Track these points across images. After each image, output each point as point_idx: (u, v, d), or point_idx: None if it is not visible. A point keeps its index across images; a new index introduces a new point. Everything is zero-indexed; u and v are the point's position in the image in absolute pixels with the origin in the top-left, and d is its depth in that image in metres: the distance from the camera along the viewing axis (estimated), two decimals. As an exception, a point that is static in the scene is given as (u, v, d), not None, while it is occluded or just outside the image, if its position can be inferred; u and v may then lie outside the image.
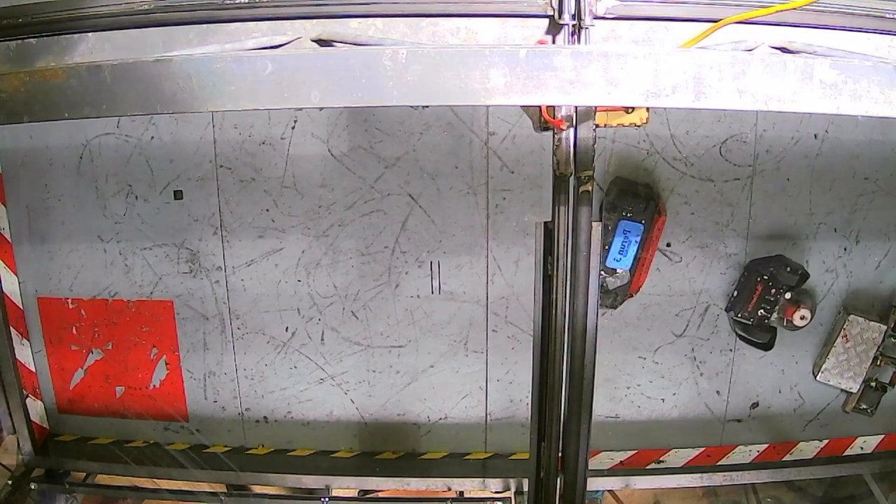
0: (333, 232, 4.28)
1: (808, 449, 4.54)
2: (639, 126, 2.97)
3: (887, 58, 2.66)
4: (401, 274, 4.33)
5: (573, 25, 2.67)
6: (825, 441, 4.56)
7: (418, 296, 4.37)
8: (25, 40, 2.80)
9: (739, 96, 1.93)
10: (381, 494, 4.62)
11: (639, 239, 4.02)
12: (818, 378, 4.35)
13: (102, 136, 4.19)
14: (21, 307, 4.52)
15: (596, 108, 2.79)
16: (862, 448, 4.54)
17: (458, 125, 4.06)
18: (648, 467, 4.54)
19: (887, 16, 2.69)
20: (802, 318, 4.10)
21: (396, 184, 4.18)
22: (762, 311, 4.15)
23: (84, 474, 4.61)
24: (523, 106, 2.96)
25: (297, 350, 4.50)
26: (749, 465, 4.52)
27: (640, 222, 3.99)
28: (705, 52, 2.05)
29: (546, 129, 2.87)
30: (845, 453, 4.54)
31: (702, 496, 5.01)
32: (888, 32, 2.71)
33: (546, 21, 2.72)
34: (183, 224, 4.31)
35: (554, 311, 3.11)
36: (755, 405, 4.53)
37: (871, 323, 4.22)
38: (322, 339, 4.48)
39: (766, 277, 4.12)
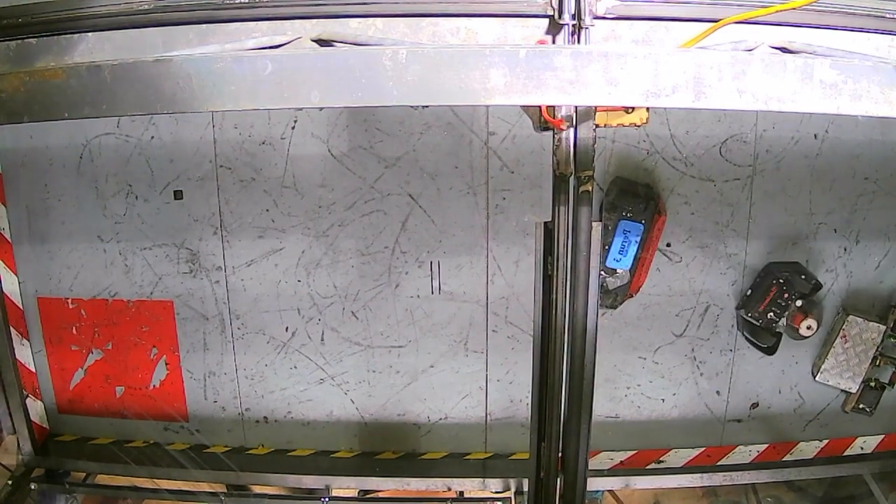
0: (333, 232, 4.28)
1: (808, 449, 4.54)
2: (639, 126, 2.97)
3: (887, 58, 2.66)
4: (401, 274, 4.33)
5: (573, 25, 2.67)
6: (825, 441, 4.56)
7: (418, 296, 4.37)
8: (25, 40, 2.80)
9: (739, 96, 1.93)
10: (381, 494, 4.62)
11: (639, 239, 4.02)
12: (817, 378, 4.35)
13: (102, 136, 4.19)
14: (21, 307, 4.52)
15: (596, 108, 2.79)
16: (862, 448, 4.54)
17: (458, 125, 4.06)
18: (648, 467, 4.54)
19: (887, 16, 2.69)
20: (809, 328, 4.13)
21: (396, 184, 4.18)
22: (772, 314, 4.17)
23: (84, 474, 4.61)
24: (523, 106, 2.96)
25: (297, 350, 4.50)
26: (749, 465, 4.52)
27: (640, 222, 3.99)
28: (705, 52, 2.05)
29: (546, 129, 2.87)
30: (845, 453, 4.54)
31: (702, 496, 5.01)
32: (888, 32, 2.71)
33: (546, 21, 2.72)
34: (183, 224, 4.31)
35: (554, 311, 3.11)
36: (755, 405, 4.53)
37: (871, 323, 4.22)
38: (322, 340, 4.48)
39: (781, 281, 4.14)
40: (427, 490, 4.52)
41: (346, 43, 2.72)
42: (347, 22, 2.76)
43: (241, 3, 2.74)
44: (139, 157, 4.21)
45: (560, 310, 3.10)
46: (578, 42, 2.68)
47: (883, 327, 4.22)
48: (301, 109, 4.05)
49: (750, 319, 4.23)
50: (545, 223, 2.99)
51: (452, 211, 4.21)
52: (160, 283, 4.42)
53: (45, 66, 2.00)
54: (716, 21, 2.65)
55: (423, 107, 3.98)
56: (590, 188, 2.90)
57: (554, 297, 3.08)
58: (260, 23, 2.78)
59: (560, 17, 2.66)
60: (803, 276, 4.15)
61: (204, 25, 2.77)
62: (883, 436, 4.53)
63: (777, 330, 4.22)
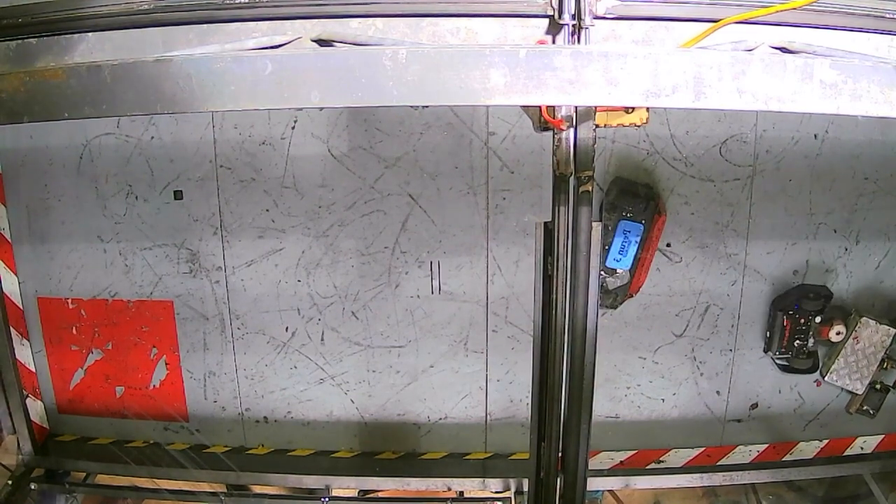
0: (333, 232, 4.28)
1: (808, 449, 4.54)
2: (639, 126, 2.97)
3: (887, 58, 2.66)
4: (401, 274, 4.33)
5: (573, 25, 2.66)
6: (825, 441, 4.57)
7: (418, 296, 4.37)
8: (25, 40, 2.80)
9: (739, 96, 1.93)
10: (381, 494, 4.62)
11: (639, 239, 4.02)
12: (827, 379, 4.37)
13: (102, 136, 4.19)
14: (21, 307, 4.52)
15: (596, 108, 2.79)
16: (862, 448, 4.54)
17: (458, 125, 4.06)
18: (648, 467, 4.54)
19: (887, 16, 2.69)
20: (838, 333, 4.21)
21: (396, 184, 4.18)
22: (798, 341, 4.23)
23: (84, 474, 4.61)
24: (523, 106, 2.96)
25: (297, 350, 4.50)
26: (749, 465, 4.52)
27: (640, 222, 4.00)
28: (705, 52, 2.05)
29: (546, 129, 2.87)
30: (845, 453, 4.54)
31: (702, 496, 5.01)
32: (888, 32, 2.71)
33: (546, 21, 2.72)
34: (183, 224, 4.31)
35: (554, 311, 3.11)
36: (755, 406, 4.53)
37: (882, 326, 4.23)
38: (322, 340, 4.48)
39: (791, 312, 4.19)
40: (427, 490, 4.52)
41: (346, 43, 2.72)
42: (347, 22, 2.76)
43: (241, 3, 2.74)
44: (139, 157, 4.21)
45: (560, 310, 3.10)
46: (578, 42, 2.68)
47: (893, 330, 4.23)
48: (301, 109, 4.05)
49: (781, 359, 4.30)
50: (545, 223, 2.99)
51: (452, 211, 4.21)
52: (160, 283, 4.43)
53: (45, 66, 2.00)
54: (716, 21, 2.65)
55: (423, 107, 3.98)
56: (590, 188, 2.90)
57: (554, 297, 3.08)
58: (260, 23, 2.78)
59: (560, 17, 2.65)
60: (811, 295, 4.19)
61: (204, 25, 2.77)
62: (883, 436, 4.53)
63: (811, 350, 4.27)
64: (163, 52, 2.64)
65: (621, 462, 4.55)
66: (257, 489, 4.63)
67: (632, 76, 1.91)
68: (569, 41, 2.69)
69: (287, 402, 4.61)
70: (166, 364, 4.57)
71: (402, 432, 4.62)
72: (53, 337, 4.58)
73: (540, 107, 2.76)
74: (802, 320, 4.18)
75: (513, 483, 4.44)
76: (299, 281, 4.37)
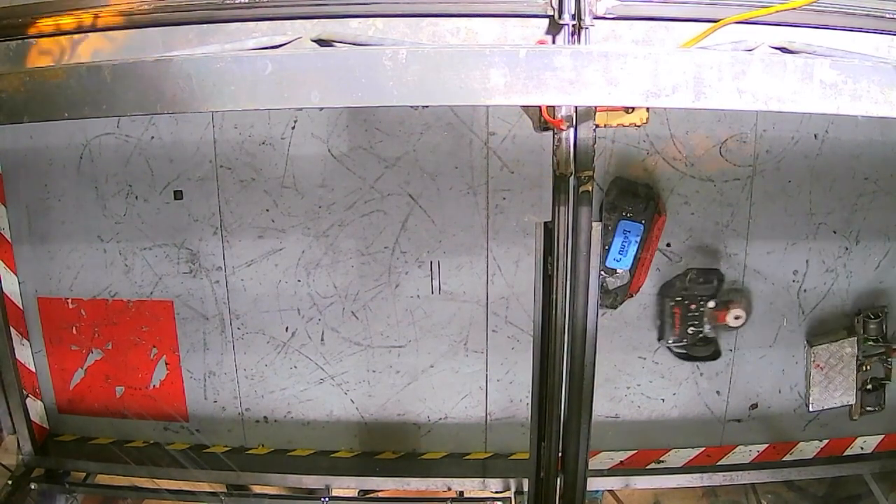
0: (333, 232, 4.28)
1: (808, 449, 4.54)
2: (639, 126, 2.98)
3: (887, 58, 2.67)
4: (401, 274, 4.33)
5: (573, 25, 2.67)
6: (825, 441, 4.56)
7: (418, 296, 4.37)
8: (25, 40, 2.80)
9: (739, 96, 1.93)
10: (381, 494, 4.62)
11: (639, 239, 4.02)
12: (812, 409, 4.38)
13: (102, 136, 4.19)
14: (21, 307, 4.52)
15: (596, 108, 2.79)
16: (862, 448, 4.54)
17: (458, 125, 4.06)
18: (648, 467, 4.54)
19: (887, 16, 2.69)
20: (737, 317, 4.12)
21: (396, 184, 4.18)
22: (692, 327, 4.15)
23: (84, 474, 4.60)
24: (523, 106, 2.97)
25: (297, 350, 4.50)
26: (749, 465, 4.52)
27: (641, 222, 3.99)
28: (705, 52, 2.05)
29: (546, 129, 2.88)
30: (845, 453, 4.54)
31: (702, 496, 5.01)
32: (888, 32, 2.71)
33: (546, 21, 2.73)
34: (183, 224, 4.31)
35: (554, 311, 3.12)
36: (754, 406, 4.53)
37: (838, 342, 4.24)
38: (322, 340, 4.48)
39: (679, 298, 4.13)
40: (427, 490, 4.52)
41: (346, 43, 2.72)
42: (347, 22, 2.76)
43: (241, 3, 2.74)
44: (139, 157, 4.21)
45: (560, 310, 3.10)
46: (578, 42, 2.68)
47: (854, 339, 4.23)
48: (301, 109, 4.05)
49: (676, 347, 4.23)
50: (545, 223, 3.00)
51: (452, 211, 4.21)
52: (160, 283, 4.42)
53: (45, 66, 2.00)
54: (716, 21, 2.65)
55: (423, 107, 3.98)
56: (590, 188, 2.90)
57: (554, 297, 3.08)
58: (260, 23, 2.78)
59: (560, 17, 2.66)
60: (700, 279, 4.12)
61: (204, 25, 2.78)
62: (883, 436, 4.52)
63: (708, 336, 4.21)
64: (163, 52, 2.64)
65: (621, 462, 4.55)
66: (257, 489, 4.63)
67: (632, 76, 1.91)
68: (569, 41, 2.70)
69: (287, 402, 4.61)
70: (166, 364, 4.57)
71: (402, 432, 4.62)
72: (53, 337, 4.58)
73: (540, 107, 2.76)
74: (693, 306, 4.10)
75: (513, 483, 4.44)
76: (299, 281, 4.37)
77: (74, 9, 2.78)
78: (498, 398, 4.54)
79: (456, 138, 4.09)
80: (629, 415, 4.56)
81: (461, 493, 4.51)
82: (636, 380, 4.50)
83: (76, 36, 2.81)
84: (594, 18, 2.65)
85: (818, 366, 4.28)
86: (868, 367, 4.26)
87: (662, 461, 4.55)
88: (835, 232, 4.23)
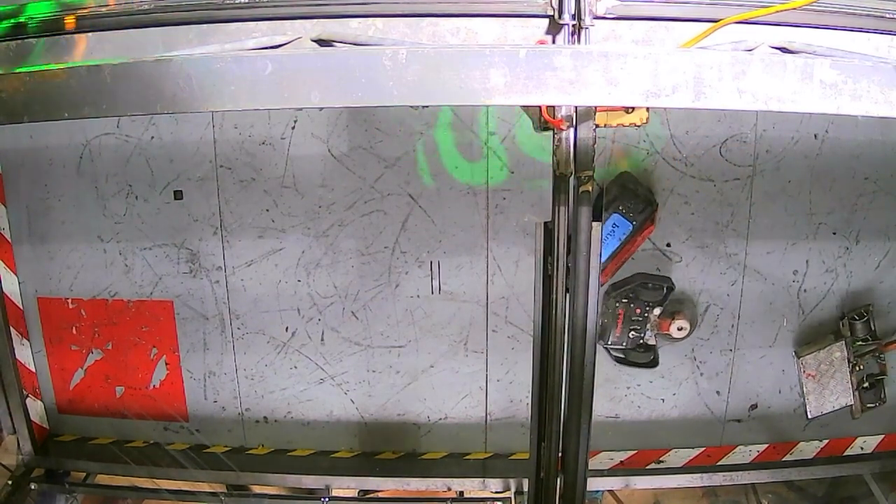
0: (333, 232, 4.28)
1: (808, 449, 4.54)
2: (639, 126, 2.97)
3: (887, 58, 2.66)
4: (401, 274, 4.33)
5: (573, 25, 2.67)
6: (825, 441, 4.56)
7: (418, 296, 4.37)
8: (25, 40, 2.80)
9: (739, 96, 1.93)
10: (381, 494, 4.62)
11: (623, 236, 3.98)
12: (811, 416, 4.39)
13: (102, 136, 4.19)
14: (21, 307, 4.52)
15: (596, 108, 2.79)
16: (862, 448, 4.54)
17: (458, 125, 4.06)
18: (648, 467, 4.54)
19: (887, 16, 2.69)
20: (680, 328, 4.09)
21: (396, 184, 4.18)
22: (633, 332, 4.11)
23: (84, 474, 4.60)
24: (523, 106, 2.97)
25: (297, 350, 4.50)
26: (749, 465, 4.52)
27: (632, 222, 3.97)
28: (705, 52, 2.05)
29: (546, 129, 2.87)
30: (845, 453, 4.54)
31: (702, 496, 5.01)
32: (888, 32, 2.71)
33: (546, 21, 2.72)
34: (183, 224, 4.31)
35: (554, 311, 3.11)
36: (754, 406, 4.53)
37: (826, 349, 4.24)
38: (322, 340, 4.48)
39: (625, 300, 4.09)
40: (427, 490, 4.52)
41: (346, 43, 2.72)
42: (347, 22, 2.76)
43: (241, 3, 2.74)
44: (139, 157, 4.21)
45: (560, 310, 3.10)
46: (578, 42, 2.68)
47: (842, 342, 4.23)
48: (301, 109, 4.05)
49: (616, 350, 4.20)
50: (545, 223, 3.00)
51: (452, 211, 4.21)
52: (160, 283, 4.43)
53: (45, 66, 2.00)
54: (716, 21, 2.65)
55: (423, 107, 3.98)
56: (590, 188, 2.90)
57: (554, 297, 3.08)
58: (260, 23, 2.78)
59: (560, 17, 2.66)
60: (650, 285, 4.08)
61: (204, 25, 2.77)
62: (883, 436, 4.53)
63: (649, 343, 4.18)
64: (163, 52, 2.64)
65: (621, 462, 4.55)
66: (257, 489, 4.63)
67: (632, 76, 1.91)
68: (569, 41, 2.69)
69: (287, 402, 4.61)
70: (166, 364, 4.57)
71: (402, 432, 4.63)
72: (53, 337, 4.58)
73: (540, 107, 2.76)
74: (638, 310, 4.06)
75: (513, 483, 4.44)
76: (299, 281, 4.37)
77: (74, 9, 2.78)
78: (498, 398, 4.54)
79: (456, 138, 4.09)
80: (629, 415, 4.56)
81: (461, 493, 4.51)
82: (636, 380, 4.50)
83: (76, 36, 2.81)
84: (594, 18, 2.64)
85: (810, 375, 4.31)
86: (861, 367, 4.26)
87: (662, 461, 4.55)
88: (835, 232, 4.23)
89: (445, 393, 4.55)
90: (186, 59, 1.95)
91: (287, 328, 4.46)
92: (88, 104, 1.96)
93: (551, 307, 3.11)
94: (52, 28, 2.80)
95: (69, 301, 4.50)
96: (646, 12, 2.71)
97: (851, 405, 4.36)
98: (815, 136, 4.05)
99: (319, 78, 1.93)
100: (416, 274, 4.33)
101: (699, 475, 4.50)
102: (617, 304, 4.10)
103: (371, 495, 4.60)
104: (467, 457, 4.61)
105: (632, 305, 4.07)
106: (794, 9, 2.63)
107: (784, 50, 2.59)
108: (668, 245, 4.24)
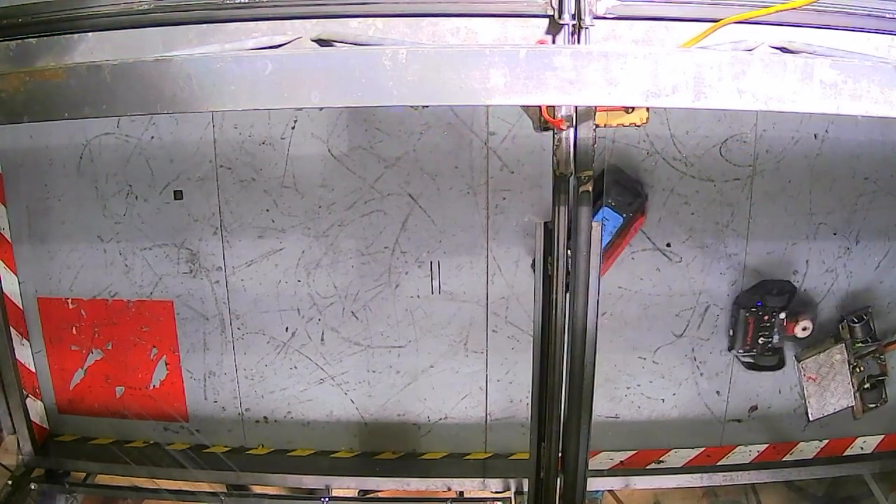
0: (333, 232, 4.28)
1: (808, 449, 4.54)
2: (639, 126, 2.97)
3: (887, 58, 2.67)
4: (401, 274, 4.33)
5: (573, 25, 2.67)
6: (825, 441, 4.56)
7: (418, 296, 4.37)
8: (25, 40, 2.80)
9: (739, 96, 1.93)
10: (381, 494, 4.62)
11: (614, 230, 3.98)
12: (812, 418, 4.41)
13: (102, 136, 4.19)
14: (21, 307, 4.52)
15: (596, 108, 2.79)
16: (862, 448, 4.54)
17: (458, 125, 4.06)
18: (648, 467, 4.54)
19: (887, 16, 2.69)
20: (804, 329, 4.17)
21: (396, 184, 4.18)
22: (762, 338, 4.19)
23: (84, 474, 4.60)
24: (523, 106, 2.97)
25: (297, 350, 4.50)
26: (749, 465, 4.52)
27: (622, 215, 3.97)
28: (705, 52, 2.05)
29: (546, 129, 2.87)
30: (845, 453, 4.54)
31: (702, 496, 5.01)
32: (888, 32, 2.71)
33: (546, 21, 2.73)
34: (183, 224, 4.31)
35: (554, 311, 3.11)
36: (754, 408, 4.53)
37: (826, 352, 4.27)
38: (322, 340, 4.48)
39: (753, 309, 4.16)
40: (427, 490, 4.52)
41: (346, 43, 2.72)
42: (347, 22, 2.76)
43: (241, 3, 2.74)
44: (139, 157, 4.21)
45: (560, 310, 3.10)
46: (578, 42, 2.68)
47: (841, 345, 4.25)
48: (301, 109, 4.05)
49: (746, 357, 4.28)
50: (545, 223, 3.00)
51: (452, 211, 4.21)
52: (160, 283, 4.42)
53: (45, 66, 2.00)
54: (716, 21, 2.65)
55: (423, 107, 3.98)
56: (590, 188, 2.90)
57: (554, 297, 3.08)
58: (260, 23, 2.78)
59: (560, 17, 2.66)
60: (774, 291, 4.16)
61: (204, 25, 2.78)
62: (883, 436, 4.53)
63: (776, 347, 4.24)
64: (163, 52, 2.64)
65: (621, 462, 4.55)
66: (257, 489, 4.63)
67: (632, 76, 1.91)
68: (569, 41, 2.70)
69: (287, 402, 4.61)
70: (166, 364, 4.57)
71: (402, 432, 4.62)
72: (53, 337, 4.58)
73: (540, 107, 2.76)
74: (766, 317, 4.15)
75: (513, 483, 4.44)
76: (299, 281, 4.37)
77: (74, 9, 2.78)
78: (498, 398, 4.54)
79: (456, 138, 4.09)
80: (629, 415, 4.56)
81: (461, 493, 4.51)
82: (636, 380, 4.50)
83: (76, 36, 2.81)
84: (594, 18, 2.64)
85: (810, 378, 4.32)
86: (862, 368, 4.27)
87: (662, 461, 4.55)
88: (835, 232, 4.23)
89: (445, 393, 4.55)
90: (186, 59, 1.95)
91: (287, 328, 4.46)
92: (88, 104, 1.96)
93: (551, 307, 3.11)
94: (52, 28, 2.80)
95: (69, 301, 4.50)
96: (646, 12, 2.71)
97: (853, 406, 4.36)
98: (815, 136, 4.05)
99: (319, 78, 1.92)
100: (416, 274, 4.33)
101: (699, 475, 4.50)
102: (746, 314, 4.18)
103: (371, 495, 4.60)
104: (467, 457, 4.61)
105: (760, 313, 4.16)
106: (794, 9, 2.63)
107: (784, 50, 2.59)
108: (668, 245, 4.24)
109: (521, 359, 4.39)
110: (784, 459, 4.53)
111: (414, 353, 4.48)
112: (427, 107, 3.96)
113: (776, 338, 4.20)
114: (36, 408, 4.65)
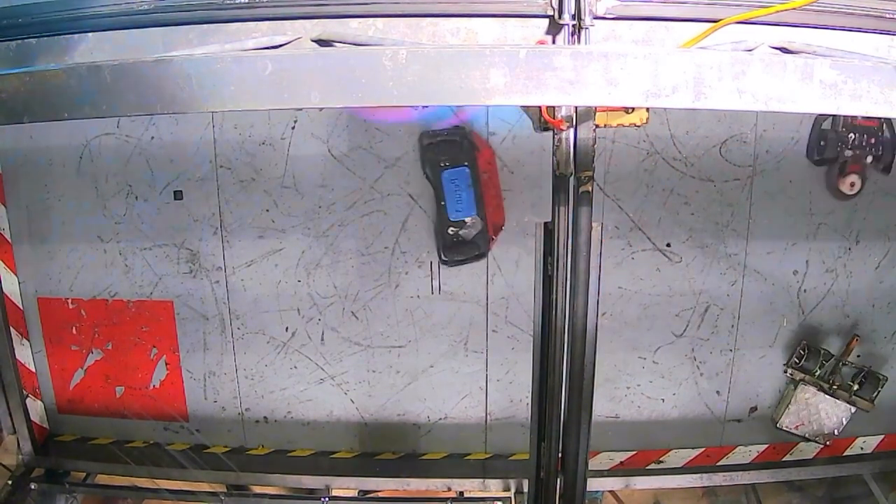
0: (333, 232, 4.28)
1: (808, 449, 4.54)
2: (639, 126, 2.98)
3: (887, 58, 2.67)
4: (401, 274, 4.33)
5: (573, 25, 2.67)
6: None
7: (418, 296, 4.37)
8: (25, 40, 2.80)
9: (739, 96, 1.92)
10: (381, 494, 4.62)
11: (469, 182, 3.94)
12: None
13: (102, 136, 4.19)
14: (21, 307, 4.52)
15: (596, 108, 2.79)
16: (862, 448, 4.54)
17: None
18: (648, 467, 4.54)
19: (887, 16, 2.69)
20: (852, 184, 4.03)
21: (396, 184, 4.18)
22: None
23: (84, 474, 4.60)
24: (523, 106, 2.97)
25: (297, 350, 4.50)
26: (749, 466, 4.52)
27: (464, 165, 3.91)
28: (705, 52, 2.05)
29: (546, 129, 2.88)
30: (845, 453, 4.53)
31: (702, 496, 5.01)
32: (888, 32, 2.71)
33: (546, 21, 2.73)
34: (183, 224, 4.31)
35: (554, 311, 3.11)
36: (754, 409, 4.53)
37: (794, 399, 4.33)
38: (322, 340, 4.47)
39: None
40: (427, 490, 4.52)
41: (346, 43, 2.72)
42: (347, 22, 2.76)
43: (241, 3, 2.74)
44: (139, 157, 4.21)
45: (560, 310, 3.10)
46: (578, 42, 2.68)
47: (804, 386, 4.29)
48: (301, 109, 4.05)
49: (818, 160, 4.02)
50: (545, 223, 3.00)
51: (452, 211, 4.21)
52: (160, 283, 4.42)
53: (45, 66, 2.00)
54: (716, 21, 2.65)
55: (423, 107, 3.98)
56: (590, 188, 2.90)
57: (554, 297, 3.08)
58: (260, 23, 2.78)
59: (560, 17, 2.66)
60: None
61: (204, 25, 2.78)
62: (883, 436, 4.52)
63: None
64: (163, 52, 2.64)
65: (621, 462, 4.55)
66: (257, 489, 4.63)
67: (632, 76, 1.91)
68: (569, 41, 2.70)
69: (287, 402, 4.61)
70: (166, 364, 4.57)
71: (402, 432, 4.62)
72: (53, 337, 4.58)
73: (540, 107, 2.76)
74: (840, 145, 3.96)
75: (513, 483, 4.44)
76: (299, 281, 4.37)
77: (74, 9, 2.78)
78: (498, 398, 4.54)
79: (456, 138, 4.08)
80: (629, 415, 4.56)
81: (461, 493, 4.50)
82: (636, 380, 4.50)
83: (76, 36, 2.81)
84: (594, 18, 2.64)
85: (799, 426, 4.36)
86: (838, 383, 4.27)
87: (662, 461, 4.55)
88: (835, 231, 4.23)
89: (445, 393, 4.55)
90: (186, 59, 1.95)
91: (287, 328, 4.46)
92: (88, 104, 1.96)
93: (551, 307, 3.11)
94: (52, 28, 2.80)
95: (69, 301, 4.50)
96: (646, 12, 2.71)
97: (856, 410, 4.34)
98: (816, 136, 4.05)
99: (319, 78, 1.92)
100: (416, 274, 4.33)
101: (699, 475, 4.50)
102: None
103: (371, 495, 4.60)
104: (467, 457, 4.60)
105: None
106: (794, 9, 2.63)
107: (784, 50, 2.59)
108: (668, 245, 4.24)
109: (521, 359, 4.39)
110: (784, 459, 4.53)
111: (414, 353, 4.48)
112: (427, 107, 3.96)
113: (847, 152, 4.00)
114: (36, 408, 4.65)
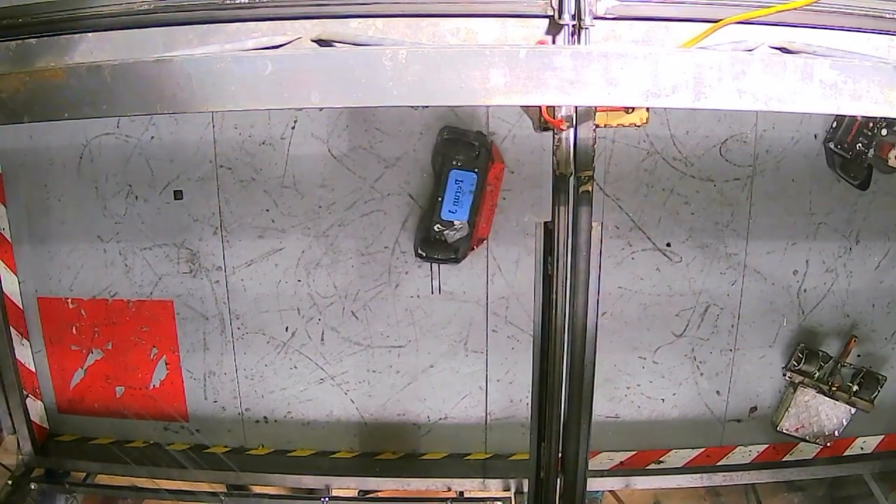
0: (333, 232, 4.28)
1: (808, 449, 4.54)
2: (639, 126, 2.97)
3: (887, 58, 2.66)
4: (401, 274, 4.33)
5: (573, 25, 2.66)
6: (825, 441, 4.56)
7: (418, 296, 4.37)
8: (25, 40, 2.80)
9: (739, 96, 1.92)
10: (381, 494, 4.62)
11: (473, 188, 3.93)
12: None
13: (102, 136, 4.19)
14: (21, 307, 4.52)
15: (596, 108, 2.79)
16: (862, 448, 4.54)
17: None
18: (648, 467, 4.54)
19: (887, 16, 2.68)
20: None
21: (396, 184, 4.18)
22: (860, 145, 3.95)
23: (84, 474, 4.61)
24: (523, 106, 2.96)
25: (297, 350, 4.50)
26: (749, 466, 4.53)
27: (473, 171, 3.91)
28: (705, 52, 2.05)
29: (546, 129, 2.87)
30: (845, 453, 4.54)
31: (702, 496, 5.01)
32: (888, 32, 2.71)
33: (546, 21, 2.72)
34: (183, 224, 4.31)
35: (554, 311, 3.11)
36: (754, 409, 4.53)
37: (793, 403, 4.33)
38: (322, 339, 4.48)
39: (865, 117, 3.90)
40: (427, 490, 4.52)
41: (346, 43, 2.72)
42: (347, 22, 2.76)
43: (241, 3, 2.74)
44: (139, 157, 4.21)
45: (560, 310, 3.10)
46: (578, 42, 2.67)
47: (804, 388, 4.29)
48: (301, 109, 4.05)
49: (839, 151, 4.01)
50: (545, 223, 2.99)
51: (452, 211, 4.21)
52: (160, 283, 4.43)
53: (45, 66, 2.00)
54: (716, 21, 2.64)
55: (423, 107, 3.98)
56: (590, 188, 2.90)
57: (554, 297, 3.07)
58: (260, 23, 2.77)
59: (560, 17, 2.65)
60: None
61: (204, 25, 2.77)
62: (883, 436, 4.53)
63: (867, 163, 4.01)
64: (163, 52, 2.64)
65: (621, 462, 4.55)
66: (257, 489, 4.63)
67: (632, 76, 1.91)
68: (569, 41, 2.69)
69: (287, 402, 4.61)
70: (166, 364, 4.57)
71: (402, 432, 4.62)
72: (53, 337, 4.58)
73: (540, 107, 2.76)
74: (871, 124, 3.92)
75: (513, 483, 4.44)
76: (299, 281, 4.37)
77: (74, 9, 2.78)
78: (498, 398, 4.54)
79: (456, 138, 4.08)
80: (629, 415, 4.56)
81: (461, 493, 4.51)
82: (636, 380, 4.50)
83: (76, 36, 2.80)
84: (594, 18, 2.64)
85: (799, 429, 4.35)
86: (838, 384, 4.27)
87: (662, 461, 4.55)
88: (835, 231, 4.23)
89: (445, 393, 4.55)
90: (186, 59, 1.94)
91: (287, 328, 4.46)
92: (88, 104, 1.96)
93: (551, 307, 3.11)
94: (52, 28, 2.79)
95: (69, 301, 4.50)
96: (646, 12, 2.70)
97: (856, 411, 4.34)
98: (815, 136, 4.06)
99: (319, 78, 1.92)
100: (416, 274, 4.33)
101: (699, 475, 4.50)
102: (861, 142, 3.92)
103: (371, 495, 4.60)
104: (467, 457, 4.61)
105: (867, 120, 3.92)
106: (794, 9, 2.62)
107: (784, 50, 2.59)
108: (668, 245, 4.24)
109: (521, 359, 4.40)
110: (784, 459, 4.54)
111: (414, 353, 4.48)
112: (427, 107, 3.96)
113: (871, 153, 3.96)
114: (36, 408, 4.66)
